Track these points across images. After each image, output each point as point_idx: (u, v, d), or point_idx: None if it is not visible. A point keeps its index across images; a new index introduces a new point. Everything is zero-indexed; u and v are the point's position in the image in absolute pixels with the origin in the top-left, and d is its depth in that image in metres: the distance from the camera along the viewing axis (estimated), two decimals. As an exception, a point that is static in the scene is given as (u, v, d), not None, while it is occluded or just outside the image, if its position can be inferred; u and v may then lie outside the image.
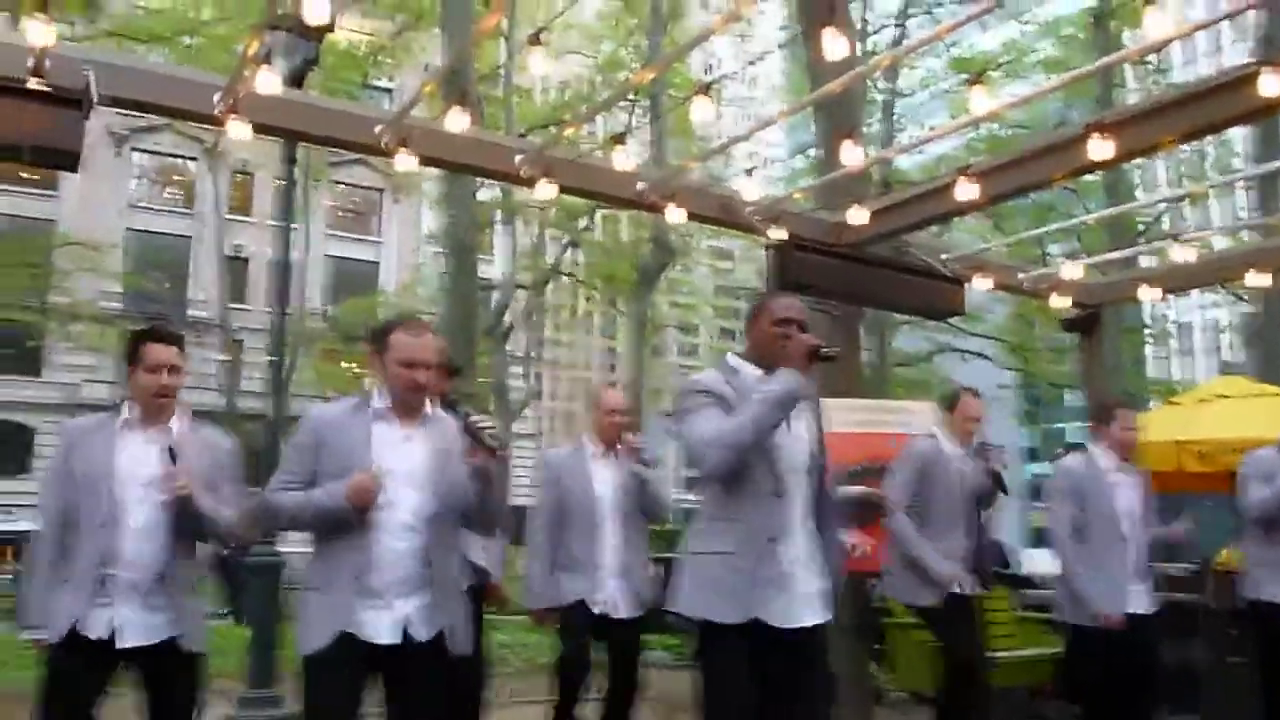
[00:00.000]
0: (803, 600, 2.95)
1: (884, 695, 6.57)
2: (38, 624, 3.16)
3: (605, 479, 4.48)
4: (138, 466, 3.20)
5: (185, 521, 3.19)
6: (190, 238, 36.06)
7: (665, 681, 7.21)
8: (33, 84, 3.60)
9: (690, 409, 2.94)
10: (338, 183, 36.28)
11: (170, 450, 3.18)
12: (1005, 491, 5.02)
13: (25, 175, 31.85)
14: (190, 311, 35.53)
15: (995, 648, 5.69)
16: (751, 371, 3.02)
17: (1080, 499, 4.70)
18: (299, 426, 3.05)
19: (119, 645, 3.11)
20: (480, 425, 2.91)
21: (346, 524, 2.85)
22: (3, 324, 24.42)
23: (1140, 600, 4.63)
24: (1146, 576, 4.69)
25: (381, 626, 2.85)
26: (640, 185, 4.86)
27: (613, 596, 4.38)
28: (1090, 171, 5.30)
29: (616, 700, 4.52)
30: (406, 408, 2.99)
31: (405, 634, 2.86)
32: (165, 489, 3.15)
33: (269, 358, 7.86)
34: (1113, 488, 4.69)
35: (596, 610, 4.35)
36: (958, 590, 4.69)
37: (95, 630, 3.10)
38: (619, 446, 4.52)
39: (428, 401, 3.09)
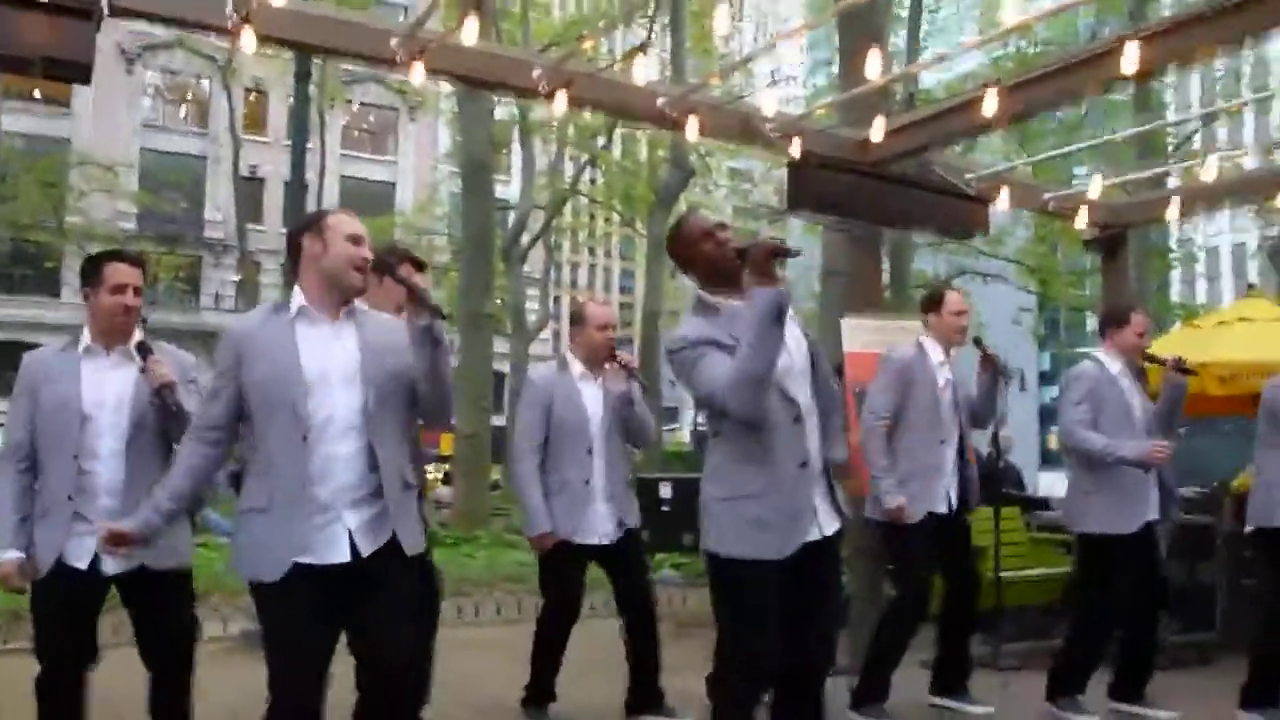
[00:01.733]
0: (824, 513, 2.97)
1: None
2: (4, 546, 3.12)
3: (594, 398, 4.35)
4: (105, 392, 3.17)
5: (167, 421, 3.15)
6: (205, 158, 35.96)
7: (675, 600, 7.32)
8: (41, -7, 3.53)
9: (689, 363, 2.86)
10: (352, 101, 35.96)
11: (140, 345, 3.19)
12: (1008, 379, 4.79)
13: (39, 94, 31.65)
14: (206, 232, 35.62)
15: (1007, 567, 5.73)
16: (727, 304, 2.92)
17: (1097, 402, 4.53)
18: (220, 343, 2.80)
19: (103, 572, 3.11)
20: (410, 281, 2.69)
21: (284, 433, 2.65)
22: (21, 244, 24.51)
23: (1154, 508, 4.54)
24: (1155, 484, 4.55)
25: (332, 545, 2.65)
26: (660, 100, 4.77)
27: (601, 522, 4.29)
28: (1121, 84, 5.16)
29: (638, 622, 4.39)
30: (341, 289, 2.76)
31: (355, 550, 2.67)
32: (149, 379, 3.13)
33: (284, 278, 7.87)
34: (1126, 393, 4.57)
35: (583, 541, 4.26)
36: (941, 510, 4.51)
37: (78, 559, 3.10)
38: (606, 365, 4.39)
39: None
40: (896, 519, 4.46)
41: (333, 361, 2.71)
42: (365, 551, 2.68)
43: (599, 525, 4.30)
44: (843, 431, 3.15)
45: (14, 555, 3.13)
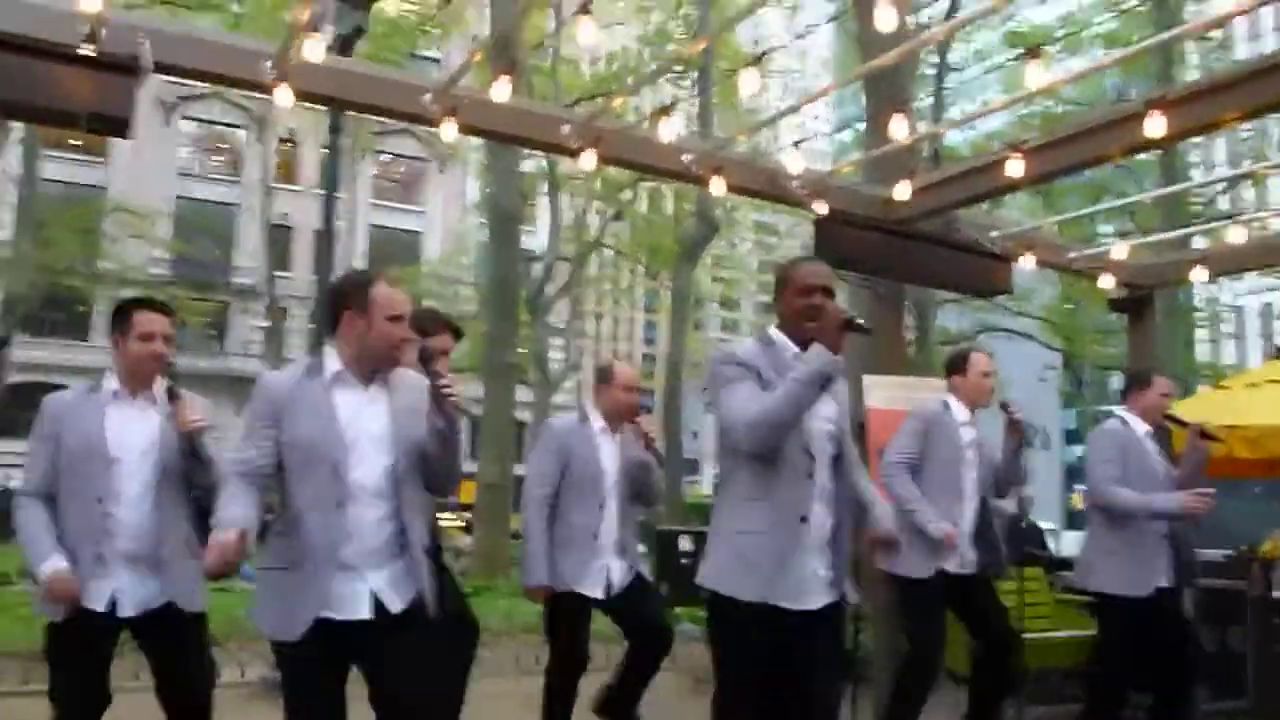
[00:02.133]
0: (818, 581, 2.94)
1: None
2: (50, 555, 3.10)
3: (610, 454, 4.37)
4: (130, 436, 3.21)
5: (191, 465, 3.21)
6: (237, 205, 36.56)
7: (695, 653, 7.24)
8: (87, 51, 3.64)
9: (725, 380, 2.91)
10: (382, 152, 36.53)
11: (170, 390, 3.24)
12: (1030, 443, 4.84)
13: (76, 142, 32.35)
14: (235, 279, 36.10)
15: (1031, 629, 5.65)
16: (788, 345, 2.99)
17: (1124, 460, 4.49)
18: (252, 396, 2.81)
19: (119, 615, 3.14)
20: (442, 384, 2.73)
21: (319, 494, 2.68)
22: (54, 289, 24.88)
23: (1170, 572, 4.48)
24: (1175, 547, 4.49)
25: (355, 602, 2.69)
26: (686, 157, 4.84)
27: (609, 575, 4.29)
28: (1146, 150, 5.20)
29: (648, 646, 4.38)
30: (379, 365, 2.81)
31: (379, 607, 2.71)
32: (179, 424, 3.19)
33: (311, 325, 7.98)
34: (1150, 454, 4.53)
35: (589, 593, 4.26)
36: (954, 570, 4.46)
37: (97, 603, 3.12)
38: (628, 424, 4.41)
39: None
40: (951, 543, 4.38)
41: (367, 426, 2.76)
42: (394, 609, 2.73)
43: (606, 579, 4.30)
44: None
45: (62, 563, 3.10)
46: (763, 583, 2.82)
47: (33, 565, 3.15)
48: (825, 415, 2.96)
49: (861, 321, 2.89)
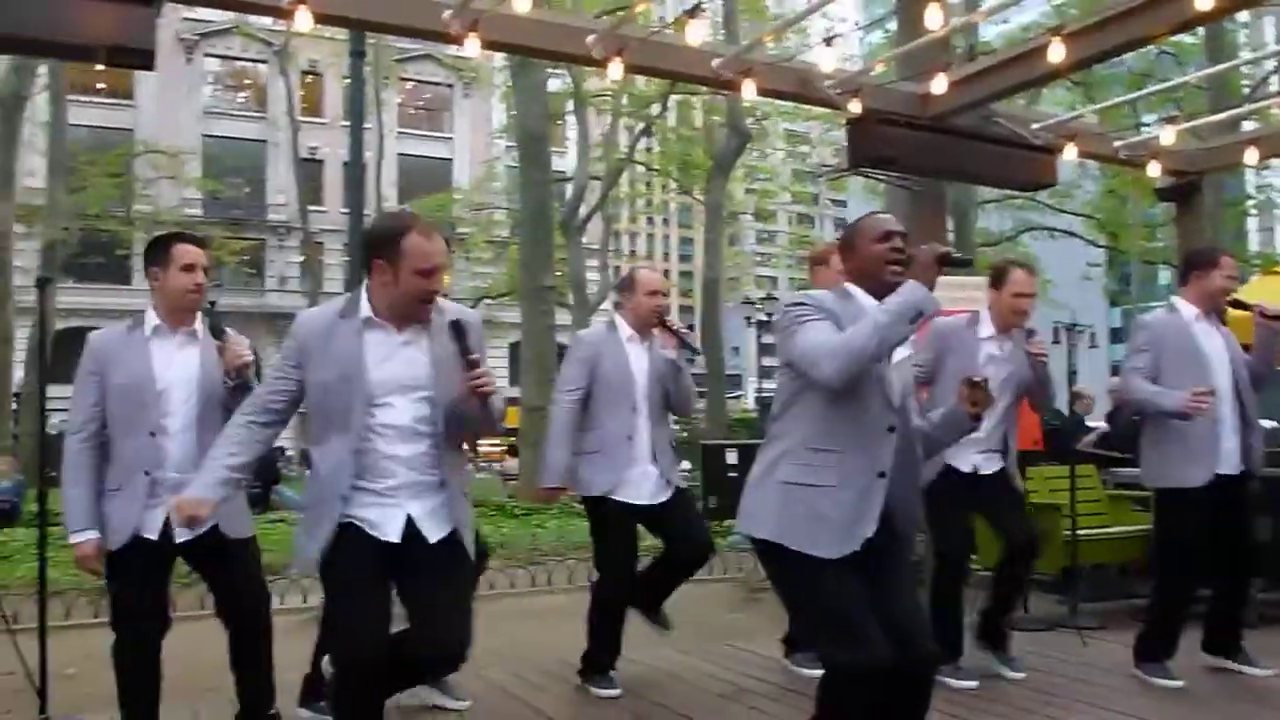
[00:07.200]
0: (897, 518, 2.79)
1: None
2: (84, 526, 3.24)
3: (640, 359, 4.33)
4: (177, 370, 3.28)
5: (238, 398, 3.21)
6: (265, 141, 36.56)
7: (746, 565, 7.31)
8: (102, -18, 3.60)
9: (798, 318, 2.74)
10: (406, 79, 36.24)
11: (214, 327, 3.30)
12: (1050, 395, 4.61)
13: (102, 86, 32.40)
14: (269, 215, 36.27)
15: (1084, 525, 5.63)
16: (866, 299, 2.79)
17: (1159, 350, 4.34)
18: (288, 336, 2.86)
19: (177, 541, 3.23)
20: (467, 345, 2.74)
21: (342, 436, 2.74)
22: (92, 233, 25.13)
23: (1231, 460, 4.31)
24: (1239, 433, 4.31)
25: (389, 525, 2.76)
26: (715, 61, 4.72)
27: (644, 483, 4.27)
28: (1194, 25, 4.99)
29: (684, 556, 4.37)
30: (408, 318, 2.78)
31: (415, 532, 2.77)
32: (228, 359, 3.24)
33: (347, 259, 7.99)
34: (1200, 338, 4.35)
35: (628, 500, 4.24)
36: (968, 470, 4.37)
37: (150, 530, 3.23)
38: (655, 331, 4.36)
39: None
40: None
41: (397, 370, 2.77)
42: (433, 538, 2.78)
43: (644, 485, 4.28)
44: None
45: (92, 535, 3.25)
46: (841, 538, 2.66)
47: (67, 525, 3.28)
48: (902, 373, 2.80)
49: (958, 254, 2.72)
